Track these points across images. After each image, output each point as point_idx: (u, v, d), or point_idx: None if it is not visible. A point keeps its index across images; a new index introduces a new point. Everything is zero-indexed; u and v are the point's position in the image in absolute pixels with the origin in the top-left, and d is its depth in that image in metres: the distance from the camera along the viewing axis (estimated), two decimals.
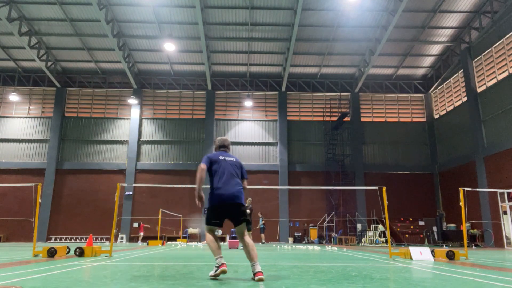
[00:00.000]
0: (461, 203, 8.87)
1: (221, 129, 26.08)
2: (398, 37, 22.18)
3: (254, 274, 4.17)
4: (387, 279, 4.41)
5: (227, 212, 4.59)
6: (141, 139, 25.71)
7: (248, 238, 4.50)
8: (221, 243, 20.80)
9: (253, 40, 22.22)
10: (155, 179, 24.65)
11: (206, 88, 26.53)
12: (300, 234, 23.80)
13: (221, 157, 4.78)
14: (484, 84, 20.54)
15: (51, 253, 8.02)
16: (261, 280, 4.13)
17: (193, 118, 26.36)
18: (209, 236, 4.60)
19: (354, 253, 10.96)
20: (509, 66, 18.63)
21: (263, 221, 20.48)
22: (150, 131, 26.00)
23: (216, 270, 4.29)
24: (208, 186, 4.82)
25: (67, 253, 8.85)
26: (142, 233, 22.64)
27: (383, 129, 26.40)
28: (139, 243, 21.53)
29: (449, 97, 24.48)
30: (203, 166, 4.63)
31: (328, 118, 26.33)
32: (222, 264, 4.29)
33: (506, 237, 18.44)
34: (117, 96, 26.71)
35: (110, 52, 23.87)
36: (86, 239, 23.73)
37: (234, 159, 4.88)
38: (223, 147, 5.02)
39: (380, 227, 22.07)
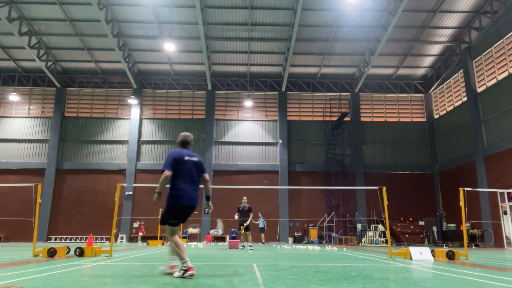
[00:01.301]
0: (461, 203, 8.87)
1: (221, 129, 26.08)
2: (398, 37, 22.18)
3: (187, 270, 4.36)
4: (387, 279, 4.41)
5: (183, 213, 4.70)
6: (141, 139, 25.71)
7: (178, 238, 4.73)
8: (221, 243, 20.89)
9: (253, 40, 22.22)
10: (155, 179, 24.64)
11: (206, 88, 26.53)
12: (300, 234, 23.79)
13: (186, 158, 4.79)
14: (484, 84, 20.54)
15: (51, 253, 8.02)
16: (192, 275, 4.33)
17: (193, 118, 26.35)
18: (175, 239, 4.60)
19: (354, 253, 10.96)
20: (509, 66, 18.63)
21: (264, 222, 20.52)
22: (150, 131, 26.00)
23: (184, 273, 4.32)
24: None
25: (67, 253, 8.85)
26: (141, 234, 22.63)
27: (383, 129, 26.40)
28: (139, 243, 21.52)
29: (449, 97, 24.48)
30: (167, 173, 4.62)
31: (328, 118, 26.33)
32: (190, 268, 4.34)
33: (506, 237, 18.44)
34: (117, 96, 26.71)
35: (110, 52, 23.87)
36: (86, 239, 23.73)
37: (197, 159, 4.93)
38: (187, 143, 5.01)
39: (380, 227, 22.07)
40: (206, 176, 5.02)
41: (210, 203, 5.12)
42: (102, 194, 24.50)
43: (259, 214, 20.99)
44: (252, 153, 25.68)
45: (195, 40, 22.28)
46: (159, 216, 4.80)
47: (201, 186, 5.10)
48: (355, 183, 24.69)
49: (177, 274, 4.38)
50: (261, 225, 20.19)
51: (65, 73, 26.34)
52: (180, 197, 4.63)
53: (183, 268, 4.34)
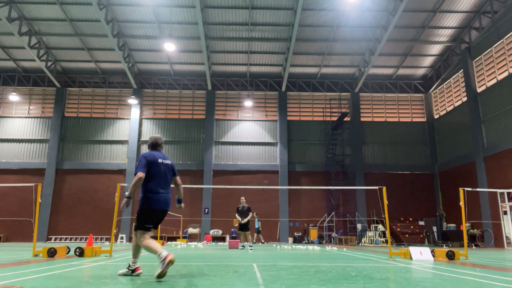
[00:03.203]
0: (461, 203, 8.87)
1: (221, 129, 26.08)
2: (398, 37, 22.18)
3: (135, 269, 4.52)
4: (387, 279, 4.41)
5: (157, 217, 4.64)
6: (141, 139, 25.71)
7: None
8: (221, 243, 20.89)
9: (253, 40, 22.22)
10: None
11: (206, 88, 26.52)
12: (300, 234, 23.80)
13: (159, 160, 4.70)
14: (484, 84, 20.54)
15: (51, 253, 8.02)
16: (139, 274, 4.47)
17: (193, 118, 26.35)
18: (146, 239, 4.45)
19: (354, 253, 10.96)
20: (509, 66, 18.63)
21: (259, 222, 20.62)
22: (150, 131, 25.99)
23: (163, 264, 4.02)
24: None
25: (67, 253, 8.85)
26: None
27: (383, 129, 26.40)
28: None
29: (449, 97, 24.48)
30: (141, 175, 4.49)
31: (328, 118, 26.33)
32: (167, 254, 4.13)
33: (506, 237, 18.44)
34: (117, 96, 26.71)
35: (110, 52, 23.87)
36: (86, 239, 23.73)
37: (169, 162, 4.88)
38: (158, 146, 4.89)
39: (380, 227, 22.07)
40: (178, 179, 5.03)
41: (182, 204, 5.16)
42: (102, 194, 24.50)
43: (254, 215, 21.01)
44: (252, 153, 25.68)
45: (195, 40, 22.28)
46: (135, 223, 4.66)
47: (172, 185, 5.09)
48: (355, 183, 24.69)
49: (159, 268, 4.10)
50: (256, 226, 20.27)
51: (65, 73, 26.34)
52: (156, 200, 4.54)
53: (161, 259, 4.10)
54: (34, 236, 8.60)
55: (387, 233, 9.48)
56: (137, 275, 4.51)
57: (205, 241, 22.38)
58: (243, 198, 13.83)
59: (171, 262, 4.06)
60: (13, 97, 25.53)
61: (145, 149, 25.60)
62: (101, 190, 24.60)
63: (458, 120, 23.03)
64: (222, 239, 23.61)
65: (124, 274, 4.54)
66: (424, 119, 26.64)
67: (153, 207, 4.55)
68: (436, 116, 26.11)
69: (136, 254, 4.60)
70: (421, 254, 8.08)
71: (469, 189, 9.72)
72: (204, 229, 23.83)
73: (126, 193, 4.53)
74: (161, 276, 4.09)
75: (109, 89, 26.66)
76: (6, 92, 26.21)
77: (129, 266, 4.57)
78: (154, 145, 4.90)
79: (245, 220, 13.13)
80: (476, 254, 10.93)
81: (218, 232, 23.66)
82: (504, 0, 18.69)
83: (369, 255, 9.91)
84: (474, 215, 20.03)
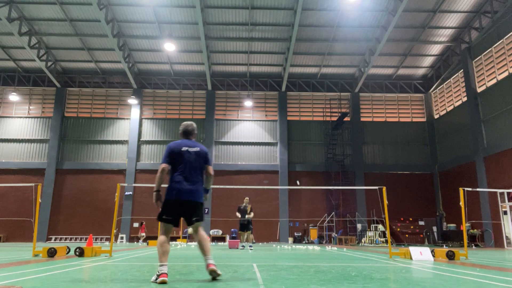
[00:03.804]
0: (461, 203, 8.87)
1: (221, 129, 26.08)
2: (398, 37, 22.18)
3: (207, 265, 4.16)
4: (387, 279, 4.41)
5: (182, 209, 4.24)
6: (141, 139, 25.71)
7: (202, 232, 4.34)
8: (221, 243, 20.89)
9: (253, 40, 22.22)
10: (155, 179, 24.61)
11: (206, 88, 26.53)
12: (300, 234, 23.80)
13: (184, 148, 4.39)
14: (484, 84, 20.54)
15: (51, 253, 8.02)
16: (213, 271, 4.09)
17: (193, 118, 26.34)
18: (161, 238, 4.15)
19: (354, 253, 10.96)
20: (509, 66, 18.63)
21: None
22: (150, 131, 26.00)
23: (156, 279, 3.88)
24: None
25: (67, 253, 8.85)
26: (143, 234, 22.42)
27: (383, 129, 26.40)
28: (140, 243, 21.50)
29: (449, 97, 24.48)
30: (164, 166, 4.25)
31: (328, 118, 26.33)
32: (163, 273, 3.85)
33: (506, 237, 18.44)
34: (117, 96, 26.71)
35: (110, 52, 23.87)
36: (86, 239, 23.72)
37: (199, 149, 4.49)
38: (188, 133, 4.59)
39: (380, 227, 22.08)
40: (210, 168, 4.54)
41: (206, 195, 4.64)
42: (102, 194, 24.50)
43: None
44: (252, 153, 25.68)
45: (195, 40, 22.28)
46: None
47: None
48: (355, 183, 24.68)
49: (153, 278, 4.03)
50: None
51: (65, 73, 26.34)
52: (175, 190, 4.21)
53: (157, 272, 3.93)
54: (34, 236, 8.60)
55: (387, 233, 9.48)
56: (161, 283, 3.87)
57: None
58: (247, 198, 13.92)
59: (162, 282, 3.79)
60: (13, 97, 25.53)
61: (145, 149, 25.62)
62: (101, 190, 24.60)
63: (458, 120, 23.03)
64: (222, 239, 23.61)
65: (153, 281, 4.02)
66: (424, 119, 26.64)
67: (172, 197, 4.20)
68: (436, 116, 26.11)
69: (160, 258, 4.06)
70: (421, 254, 8.08)
71: (469, 189, 9.72)
72: (204, 229, 23.79)
73: (154, 188, 4.31)
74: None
75: (109, 89, 26.66)
76: (6, 92, 26.21)
77: (156, 272, 4.06)
78: (185, 132, 4.61)
79: (250, 216, 13.17)
80: (476, 254, 10.93)
81: (218, 232, 23.66)
82: (504, 0, 18.69)
83: (369, 255, 9.91)
84: (474, 215, 20.03)
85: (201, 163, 4.46)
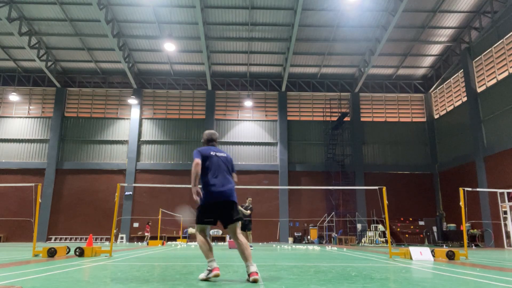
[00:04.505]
0: (461, 203, 8.87)
1: (221, 129, 26.08)
2: (398, 37, 22.18)
3: (249, 275, 4.05)
4: (387, 279, 4.41)
5: (220, 210, 4.37)
6: (141, 139, 25.71)
7: (242, 237, 4.36)
8: (221, 243, 20.90)
9: (253, 40, 22.22)
10: (155, 179, 24.65)
11: (206, 88, 26.53)
12: (300, 234, 23.80)
13: (212, 153, 4.55)
14: (484, 84, 20.54)
15: (51, 253, 8.01)
16: (255, 281, 3.98)
17: (193, 118, 26.35)
18: (200, 237, 4.38)
19: (354, 253, 10.96)
20: (509, 66, 18.63)
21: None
22: (150, 131, 26.00)
23: (209, 273, 4.13)
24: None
25: (67, 253, 8.85)
26: (147, 234, 22.24)
27: (383, 129, 26.40)
28: (145, 243, 21.39)
29: (449, 97, 24.48)
30: (198, 160, 4.37)
31: (328, 118, 26.33)
32: (215, 267, 4.14)
33: (506, 237, 18.43)
34: (117, 96, 26.71)
35: (110, 52, 23.87)
36: (86, 239, 23.72)
37: (225, 155, 4.69)
38: (212, 141, 4.76)
39: (380, 227, 22.08)
40: (235, 176, 4.75)
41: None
42: (102, 194, 24.50)
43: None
44: (252, 153, 25.68)
45: (195, 40, 22.28)
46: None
47: None
48: (355, 183, 24.68)
49: (202, 275, 4.20)
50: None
51: (65, 73, 26.34)
52: (210, 193, 4.35)
53: (208, 268, 4.17)
54: (34, 236, 8.60)
55: (387, 233, 9.48)
56: (215, 276, 4.15)
57: None
58: (250, 198, 14.00)
59: (215, 276, 4.12)
60: (13, 97, 25.54)
61: (145, 149, 25.61)
62: (101, 190, 24.60)
63: (458, 120, 23.03)
64: (222, 239, 23.62)
65: (205, 278, 4.19)
66: (424, 119, 26.64)
67: (210, 200, 4.34)
68: (436, 116, 26.11)
69: (206, 255, 4.29)
70: (421, 254, 8.07)
71: (469, 189, 9.71)
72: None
73: (191, 183, 4.40)
74: (204, 279, 4.17)
75: (109, 89, 26.66)
76: (6, 92, 26.21)
77: (207, 268, 4.25)
78: (209, 140, 4.77)
79: (247, 212, 13.20)
80: (476, 254, 10.93)
81: (218, 232, 23.66)
82: (504, 0, 18.69)
83: (369, 255, 9.91)
84: (474, 215, 20.02)
85: (229, 167, 4.63)
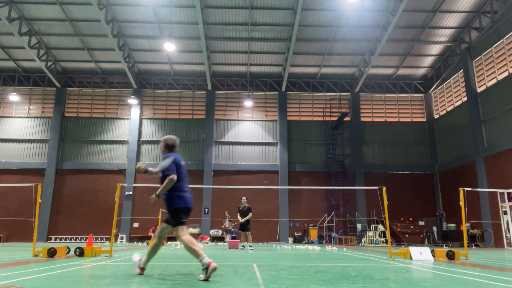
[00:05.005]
0: (461, 203, 8.87)
1: (221, 129, 26.08)
2: (398, 37, 22.18)
3: (208, 266, 4.19)
4: (387, 279, 4.41)
5: (187, 214, 4.83)
6: (141, 139, 25.71)
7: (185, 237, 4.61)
8: (221, 243, 20.90)
9: (253, 40, 22.22)
10: (155, 179, 24.59)
11: (206, 88, 26.53)
12: (300, 234, 23.80)
13: (182, 162, 4.96)
14: (484, 84, 20.54)
15: (51, 253, 8.02)
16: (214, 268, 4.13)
17: (193, 118, 26.35)
18: (188, 237, 4.54)
19: (354, 253, 10.96)
20: (509, 66, 18.63)
21: (230, 221, 20.56)
22: (150, 131, 26.00)
23: (207, 272, 4.11)
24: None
25: (67, 253, 8.85)
26: (152, 234, 22.23)
27: (383, 129, 26.39)
28: (145, 243, 21.38)
29: (449, 97, 24.48)
30: (175, 178, 4.66)
31: (328, 118, 26.33)
32: (210, 261, 4.14)
33: (506, 237, 18.44)
34: (117, 96, 26.71)
35: (110, 52, 23.87)
36: (86, 239, 23.72)
37: (184, 163, 5.13)
38: (176, 147, 5.07)
39: (380, 227, 22.08)
40: None
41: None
42: (102, 194, 24.50)
43: (226, 214, 21.13)
44: (252, 153, 25.68)
45: (195, 40, 22.28)
46: (168, 220, 4.69)
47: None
48: (355, 183, 24.68)
49: (202, 276, 4.16)
50: (226, 225, 20.57)
51: (65, 73, 26.34)
52: (188, 199, 4.80)
53: (203, 267, 4.17)
54: (34, 236, 8.60)
55: (387, 233, 9.48)
56: (213, 270, 4.15)
57: (203, 240, 22.36)
58: (244, 198, 13.87)
59: (214, 269, 4.14)
60: (13, 97, 25.53)
61: (145, 148, 25.59)
62: (101, 190, 24.60)
63: (458, 120, 23.03)
64: (222, 239, 23.61)
65: (206, 277, 4.19)
66: (424, 119, 26.63)
67: (185, 205, 4.74)
68: (436, 116, 26.11)
69: (198, 254, 4.32)
70: (421, 254, 8.08)
71: (469, 189, 9.72)
72: (204, 229, 23.82)
73: (156, 192, 4.62)
74: (206, 279, 4.20)
75: (109, 89, 26.66)
76: (6, 92, 26.21)
77: (203, 266, 4.25)
78: (175, 146, 5.06)
79: (243, 220, 13.16)
80: (476, 254, 10.93)
81: (218, 232, 23.66)
82: (504, 0, 18.69)
83: (369, 255, 9.91)
84: (474, 215, 20.02)
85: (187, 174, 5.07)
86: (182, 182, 4.81)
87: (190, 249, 4.39)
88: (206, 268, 4.14)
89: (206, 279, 4.15)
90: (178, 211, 4.69)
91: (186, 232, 4.63)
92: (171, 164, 4.70)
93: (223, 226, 21.84)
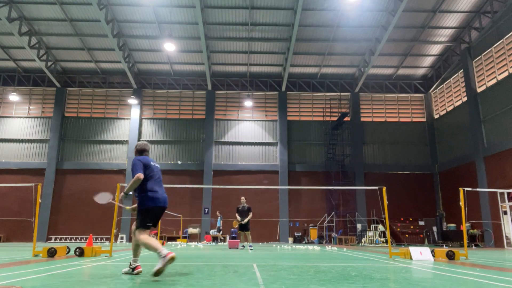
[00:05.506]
0: (461, 203, 8.87)
1: (221, 129, 26.08)
2: (398, 37, 22.18)
3: (136, 267, 4.70)
4: (387, 279, 4.41)
5: (158, 215, 4.87)
6: (141, 139, 25.70)
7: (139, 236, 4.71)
8: (221, 243, 20.90)
9: (253, 40, 22.22)
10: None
11: (206, 88, 26.53)
12: (300, 234, 23.79)
13: (152, 163, 5.04)
14: (484, 84, 20.54)
15: (51, 253, 8.02)
16: (138, 273, 4.62)
17: (193, 118, 26.35)
18: (145, 236, 4.62)
19: (354, 253, 10.96)
20: (509, 66, 18.63)
21: (221, 221, 20.86)
22: (150, 131, 25.99)
23: (165, 260, 4.21)
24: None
25: (67, 253, 8.85)
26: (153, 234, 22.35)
27: (383, 129, 26.39)
28: None
29: (449, 97, 24.48)
30: (141, 176, 4.74)
31: (328, 118, 26.33)
32: (168, 252, 4.25)
33: (506, 237, 18.45)
34: (117, 96, 26.71)
35: (110, 52, 23.87)
36: (86, 239, 23.72)
37: (158, 165, 5.27)
38: (145, 151, 5.24)
39: (380, 227, 22.08)
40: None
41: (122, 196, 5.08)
42: None
43: (217, 213, 21.22)
44: (252, 153, 25.68)
45: (195, 40, 22.28)
46: (136, 222, 4.88)
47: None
48: (355, 183, 24.68)
49: (159, 265, 4.23)
50: (218, 225, 20.73)
51: (65, 73, 26.34)
52: (156, 198, 4.79)
53: (161, 255, 4.25)
54: (34, 236, 8.60)
55: (387, 233, 9.48)
56: (137, 274, 4.65)
57: (205, 241, 22.37)
58: (243, 198, 13.85)
59: (172, 259, 4.24)
60: (13, 97, 25.53)
61: None
62: (101, 190, 24.53)
63: (458, 120, 23.03)
64: (222, 239, 23.57)
65: (127, 273, 4.71)
66: (424, 119, 26.64)
67: (154, 205, 4.76)
68: (436, 116, 26.11)
69: (136, 253, 4.80)
70: (421, 254, 8.08)
71: (469, 189, 9.72)
72: (204, 229, 23.82)
73: (124, 190, 4.83)
74: (158, 273, 4.23)
75: (109, 89, 26.66)
76: (6, 92, 26.21)
77: (130, 264, 4.75)
78: (144, 150, 5.27)
79: (245, 220, 13.15)
80: (476, 254, 10.93)
81: (215, 232, 23.61)
82: (504, 0, 18.69)
83: (369, 255, 9.91)
84: (474, 215, 20.02)
85: (161, 176, 5.17)
86: (153, 183, 4.86)
87: (148, 246, 4.49)
88: (163, 257, 4.25)
89: (161, 269, 4.21)
90: (148, 211, 4.75)
91: (146, 236, 4.63)
92: (137, 164, 4.86)
93: (216, 227, 22.03)
